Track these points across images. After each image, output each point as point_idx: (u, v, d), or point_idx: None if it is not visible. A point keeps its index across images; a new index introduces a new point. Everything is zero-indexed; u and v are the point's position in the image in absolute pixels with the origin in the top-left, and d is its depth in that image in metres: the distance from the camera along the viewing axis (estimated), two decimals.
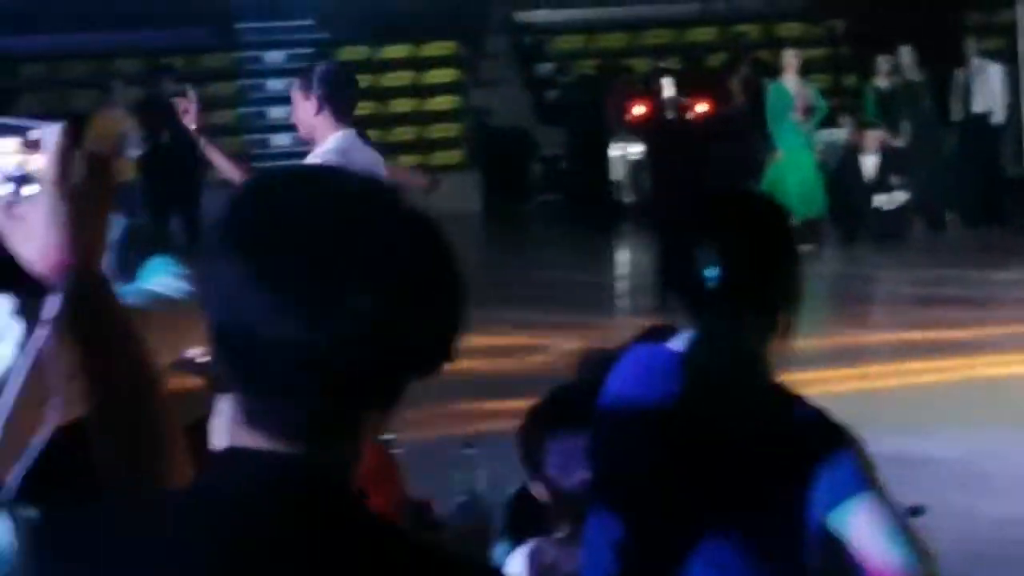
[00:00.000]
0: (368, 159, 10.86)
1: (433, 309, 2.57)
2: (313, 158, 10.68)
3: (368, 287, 2.48)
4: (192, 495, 2.81)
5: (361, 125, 28.78)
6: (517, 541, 5.61)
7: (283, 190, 2.68)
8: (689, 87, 25.61)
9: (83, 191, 3.12)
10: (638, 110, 26.28)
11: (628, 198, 26.94)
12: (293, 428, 2.59)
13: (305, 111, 10.81)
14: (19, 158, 3.18)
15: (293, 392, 2.56)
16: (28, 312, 3.39)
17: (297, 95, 10.91)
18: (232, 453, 2.69)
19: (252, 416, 2.62)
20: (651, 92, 26.21)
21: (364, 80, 27.74)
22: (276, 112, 27.77)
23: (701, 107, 24.86)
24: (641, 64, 28.37)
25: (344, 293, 2.47)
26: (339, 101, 10.86)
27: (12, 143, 3.17)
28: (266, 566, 2.62)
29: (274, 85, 28.09)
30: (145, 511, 2.90)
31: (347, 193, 2.68)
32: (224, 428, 3.13)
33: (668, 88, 25.61)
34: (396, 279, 2.52)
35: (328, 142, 10.71)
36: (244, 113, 27.98)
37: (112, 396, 3.10)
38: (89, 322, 3.08)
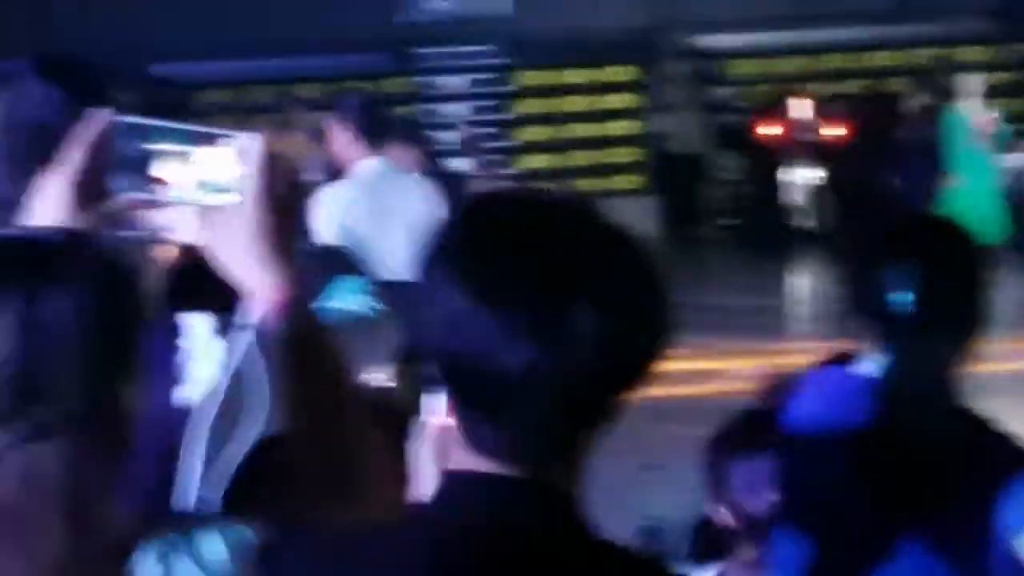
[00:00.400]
0: (399, 186, 11.32)
1: (648, 327, 2.67)
2: (341, 187, 11.19)
3: (593, 309, 2.53)
4: (421, 519, 2.87)
5: (539, 150, 28.92)
6: (701, 565, 5.61)
7: (502, 217, 2.72)
8: (862, 112, 25.63)
9: (282, 205, 3.19)
10: (767, 131, 26.72)
11: (806, 223, 26.78)
12: (520, 451, 2.64)
13: (339, 141, 11.29)
14: (217, 167, 3.22)
15: (520, 415, 2.60)
16: (226, 330, 3.47)
17: (332, 125, 11.42)
18: (459, 477, 2.75)
19: (478, 439, 2.69)
20: (785, 115, 26.47)
21: (544, 105, 28.04)
22: (453, 137, 27.34)
23: (836, 131, 24.96)
24: (818, 88, 28.07)
25: (572, 316, 2.52)
26: (371, 131, 11.31)
27: (209, 152, 3.20)
28: None
29: (455, 109, 28.08)
30: (373, 537, 2.96)
31: (564, 217, 2.70)
32: (430, 451, 3.24)
33: (799, 110, 25.68)
34: (617, 300, 2.59)
35: (357, 171, 11.28)
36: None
37: (316, 414, 3.16)
38: (299, 347, 3.13)
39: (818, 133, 26.85)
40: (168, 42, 24.42)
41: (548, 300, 2.59)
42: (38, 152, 3.39)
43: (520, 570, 2.69)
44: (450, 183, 13.76)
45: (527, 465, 2.68)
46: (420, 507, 3.04)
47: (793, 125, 27.12)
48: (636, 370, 2.72)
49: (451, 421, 2.94)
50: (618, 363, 2.68)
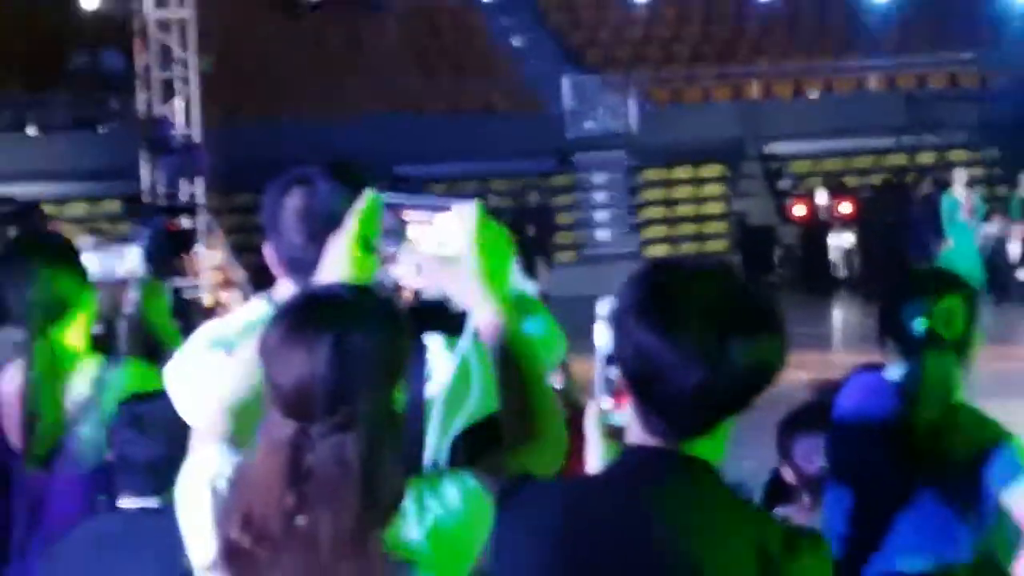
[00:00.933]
0: None
1: (777, 350, 2.81)
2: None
3: (744, 342, 2.71)
4: (609, 474, 2.99)
5: (656, 223, 28.44)
6: (770, 509, 5.42)
7: (675, 277, 2.88)
8: (880, 200, 25.99)
9: (489, 254, 3.25)
10: (799, 211, 27.10)
11: (841, 274, 26.50)
12: (681, 434, 2.79)
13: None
14: (448, 228, 3.27)
15: (687, 413, 2.76)
16: (452, 345, 3.41)
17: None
18: (636, 449, 2.88)
19: (652, 426, 2.81)
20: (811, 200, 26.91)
21: (660, 192, 28.11)
22: (599, 215, 27.75)
23: (845, 208, 25.74)
24: (852, 180, 27.86)
25: (730, 348, 2.71)
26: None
27: (433, 216, 3.28)
28: (660, 514, 2.82)
29: (599, 197, 28.02)
30: (579, 492, 3.05)
31: (715, 278, 2.88)
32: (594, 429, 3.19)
33: (821, 197, 26.02)
34: (759, 334, 2.77)
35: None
36: (578, 217, 27.53)
37: (516, 400, 3.17)
38: (505, 354, 3.17)
39: (831, 212, 26.56)
40: (405, 149, 24.28)
41: (713, 338, 2.68)
42: (327, 230, 3.32)
43: (676, 514, 2.77)
44: None
45: (684, 442, 2.77)
46: (608, 468, 3.00)
47: (814, 207, 26.95)
48: (768, 379, 2.78)
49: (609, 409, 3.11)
50: (759, 377, 2.75)
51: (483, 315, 3.18)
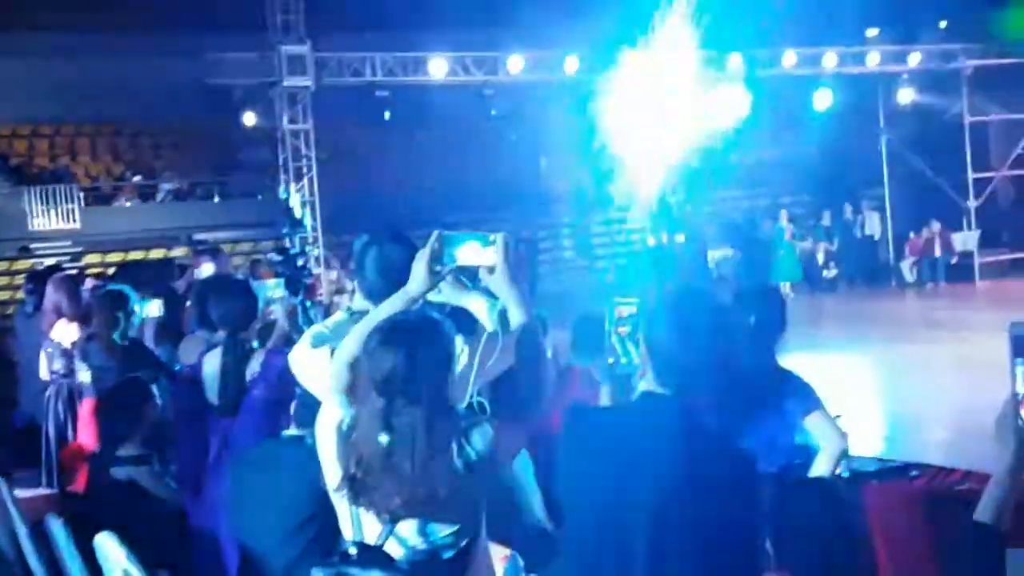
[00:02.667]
0: None
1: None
2: None
3: (721, 336, 2.80)
4: (633, 407, 2.94)
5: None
6: None
7: (680, 299, 2.92)
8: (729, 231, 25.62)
9: (517, 263, 3.11)
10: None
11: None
12: (678, 387, 2.77)
13: None
14: (482, 252, 3.07)
15: (683, 376, 2.77)
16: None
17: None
18: (649, 394, 2.81)
19: (658, 380, 2.80)
20: None
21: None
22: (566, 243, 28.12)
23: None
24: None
25: (712, 340, 2.77)
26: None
27: (477, 244, 3.07)
28: (659, 442, 2.76)
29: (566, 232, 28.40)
30: (608, 415, 3.08)
31: (696, 295, 2.94)
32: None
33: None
34: (727, 332, 2.84)
35: None
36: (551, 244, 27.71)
37: (528, 367, 3.07)
38: (528, 337, 3.05)
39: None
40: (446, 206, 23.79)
41: (702, 333, 2.77)
42: (391, 271, 3.22)
43: (668, 438, 2.75)
44: None
45: (679, 391, 2.79)
46: (630, 404, 2.98)
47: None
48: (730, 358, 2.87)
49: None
50: (728, 358, 2.84)
51: (512, 308, 3.08)
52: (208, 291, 5.84)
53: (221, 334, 5.29)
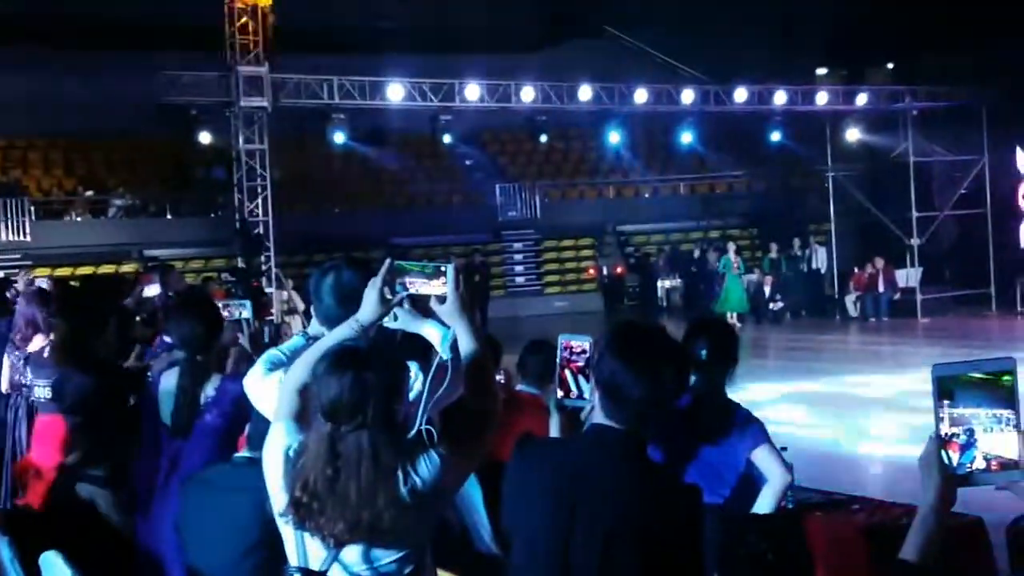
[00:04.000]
0: None
1: (686, 372, 2.92)
2: None
3: (672, 371, 2.83)
4: (583, 440, 2.94)
5: (548, 274, 27.71)
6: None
7: (636, 331, 2.93)
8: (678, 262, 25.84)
9: (471, 293, 3.15)
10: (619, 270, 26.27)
11: (665, 304, 25.98)
12: (628, 421, 2.76)
13: None
14: (432, 282, 3.08)
15: (634, 410, 2.76)
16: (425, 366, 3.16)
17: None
18: (596, 427, 2.83)
19: (609, 414, 2.78)
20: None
21: (554, 255, 27.57)
22: (517, 268, 27.73)
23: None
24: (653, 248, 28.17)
25: (664, 375, 2.79)
26: None
27: (427, 273, 3.08)
28: (608, 475, 2.78)
29: (517, 257, 28.04)
30: (558, 447, 3.07)
31: (653, 330, 2.93)
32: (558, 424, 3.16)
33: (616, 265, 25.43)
34: (677, 363, 2.86)
35: None
36: (504, 269, 27.41)
37: (478, 396, 3.07)
38: (477, 365, 3.07)
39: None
40: (399, 229, 24.31)
41: (655, 369, 2.78)
42: (348, 297, 3.26)
43: (617, 471, 2.77)
44: None
45: (629, 425, 2.78)
46: (578, 438, 2.99)
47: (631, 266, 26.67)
48: (681, 389, 2.94)
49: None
50: (677, 392, 2.91)
51: (462, 337, 3.07)
52: (172, 309, 5.72)
53: (180, 355, 5.16)
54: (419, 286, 3.07)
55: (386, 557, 2.84)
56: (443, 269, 3.06)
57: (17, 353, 7.25)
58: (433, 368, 3.11)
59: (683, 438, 4.14)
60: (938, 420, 2.26)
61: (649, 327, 2.97)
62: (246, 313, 5.87)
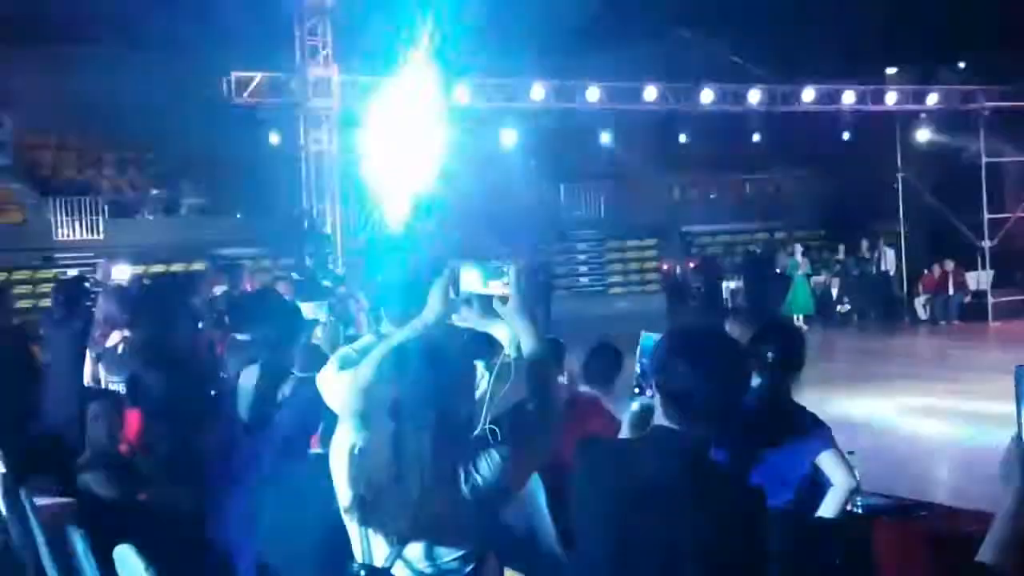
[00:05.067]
0: None
1: (747, 376, 2.95)
2: None
3: (734, 374, 2.82)
4: (645, 442, 2.93)
5: (613, 275, 27.38)
6: None
7: (694, 335, 2.88)
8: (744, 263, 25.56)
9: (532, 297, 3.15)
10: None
11: (730, 305, 25.08)
12: (690, 423, 2.74)
13: None
14: (495, 282, 3.09)
15: (695, 413, 2.74)
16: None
17: None
18: (660, 428, 2.81)
19: (670, 415, 2.77)
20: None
21: (618, 255, 27.80)
22: (582, 269, 28.16)
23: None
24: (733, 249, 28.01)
25: (725, 377, 2.78)
26: None
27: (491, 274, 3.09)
28: (670, 478, 2.74)
29: (582, 258, 28.48)
30: (620, 449, 3.07)
31: (712, 334, 2.92)
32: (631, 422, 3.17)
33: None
34: (738, 368, 2.86)
35: None
36: (568, 269, 27.71)
37: (539, 396, 3.02)
38: (537, 366, 3.03)
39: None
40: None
41: (716, 370, 2.76)
42: (414, 296, 3.25)
43: (679, 474, 2.73)
44: None
45: (692, 427, 2.75)
46: (643, 438, 2.95)
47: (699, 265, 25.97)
48: (743, 392, 2.88)
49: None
50: (740, 395, 2.86)
51: (523, 337, 3.06)
52: (252, 308, 5.79)
53: (257, 354, 5.26)
54: (481, 287, 3.07)
55: (448, 555, 2.84)
56: (505, 269, 3.06)
57: (98, 349, 7.39)
58: (497, 367, 3.10)
59: (747, 441, 4.11)
60: (1019, 421, 2.21)
61: (710, 329, 2.94)
62: (323, 314, 5.90)
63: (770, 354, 4.30)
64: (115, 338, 7.21)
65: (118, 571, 3.65)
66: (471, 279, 3.08)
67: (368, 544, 2.91)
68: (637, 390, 3.17)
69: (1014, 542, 2.25)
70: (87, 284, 9.05)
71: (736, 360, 2.85)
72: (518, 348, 3.09)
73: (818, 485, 4.26)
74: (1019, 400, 2.20)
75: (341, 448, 2.98)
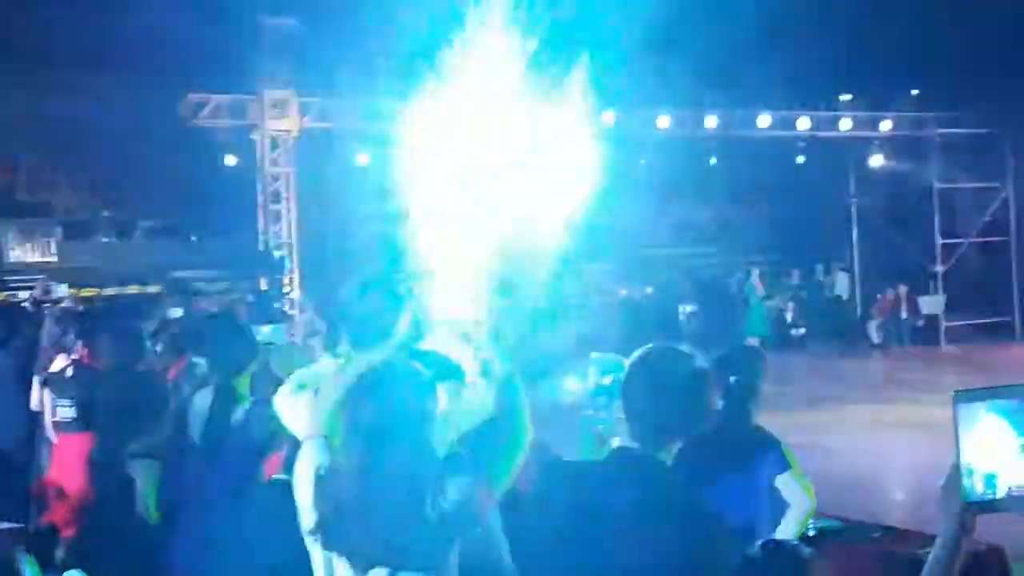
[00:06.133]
0: None
1: (709, 397, 2.89)
2: None
3: (695, 396, 2.82)
4: (608, 463, 2.95)
5: None
6: None
7: (657, 358, 2.90)
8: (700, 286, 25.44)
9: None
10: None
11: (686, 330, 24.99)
12: (651, 444, 2.80)
13: None
14: (466, 307, 3.14)
15: (657, 433, 2.80)
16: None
17: None
18: (623, 449, 2.88)
19: (633, 435, 2.83)
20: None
21: None
22: None
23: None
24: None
25: (687, 399, 2.81)
26: None
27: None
28: (629, 497, 2.77)
29: None
30: (581, 468, 3.11)
31: (675, 355, 2.91)
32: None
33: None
34: (701, 391, 2.86)
35: None
36: None
37: (508, 419, 3.05)
38: (505, 389, 3.04)
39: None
40: None
41: (677, 392, 2.82)
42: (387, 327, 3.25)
43: (638, 493, 2.75)
44: None
45: (648, 447, 2.81)
46: (603, 460, 2.99)
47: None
48: (703, 418, 2.87)
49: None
50: (703, 417, 2.87)
51: (494, 360, 3.09)
52: (207, 331, 5.75)
53: (211, 377, 5.21)
54: (453, 311, 3.11)
55: None
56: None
57: (45, 374, 7.29)
58: (464, 389, 3.12)
59: (708, 464, 4.08)
60: (959, 448, 2.24)
61: (674, 352, 2.96)
62: (276, 337, 5.86)
63: (732, 378, 4.35)
64: (62, 361, 7.11)
65: None
66: (450, 304, 3.13)
67: (332, 569, 2.89)
68: (591, 412, 3.16)
69: (954, 564, 2.28)
70: (25, 306, 8.91)
71: (699, 383, 2.88)
72: (483, 372, 3.10)
73: (776, 506, 4.29)
74: (956, 426, 2.24)
75: (305, 470, 2.98)
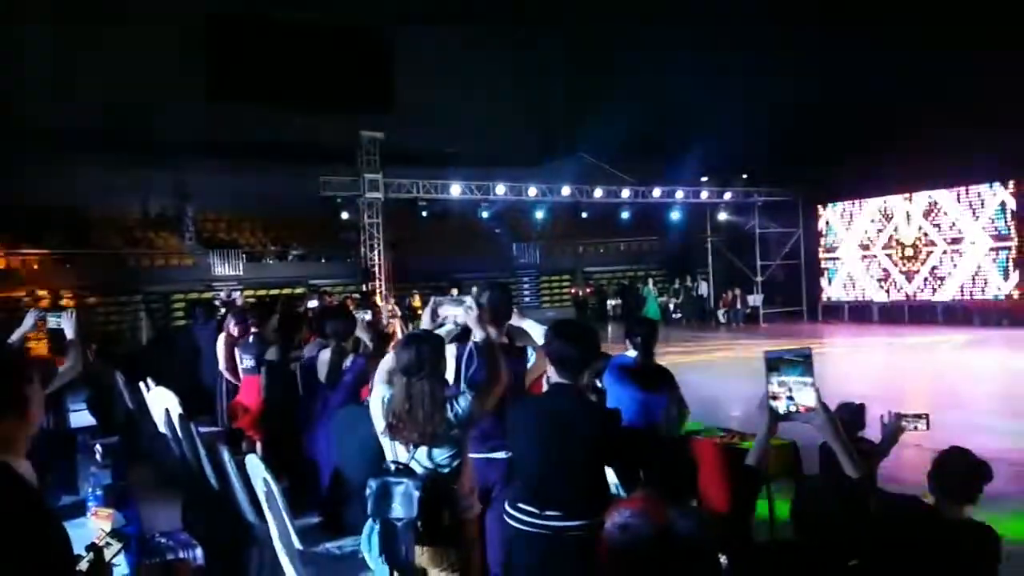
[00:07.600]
0: None
1: (596, 344, 2.68)
2: None
3: (589, 345, 2.66)
4: (551, 392, 2.77)
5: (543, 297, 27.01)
6: None
7: (567, 325, 2.73)
8: (620, 289, 25.01)
9: (494, 314, 3.00)
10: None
11: (611, 315, 24.67)
12: (570, 377, 2.63)
13: None
14: (458, 308, 2.91)
15: (572, 370, 2.60)
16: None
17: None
18: (556, 383, 2.70)
19: (560, 374, 2.67)
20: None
21: (549, 286, 27.49)
22: (526, 294, 27.47)
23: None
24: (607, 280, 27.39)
25: (586, 348, 2.61)
26: None
27: (456, 303, 2.91)
28: (563, 408, 2.60)
29: (525, 286, 27.42)
30: (537, 398, 2.94)
31: (580, 325, 2.76)
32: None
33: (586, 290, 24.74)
34: (592, 342, 2.68)
35: None
36: (516, 294, 26.93)
37: (488, 368, 2.88)
38: (490, 352, 2.90)
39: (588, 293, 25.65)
40: (458, 268, 23.52)
41: (580, 344, 2.66)
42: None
43: (568, 405, 2.61)
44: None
45: (571, 380, 2.67)
46: (547, 391, 2.81)
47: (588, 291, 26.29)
48: (595, 355, 2.72)
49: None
50: (594, 357, 2.73)
51: (476, 333, 2.99)
52: (326, 314, 5.70)
53: (331, 341, 5.13)
54: (451, 311, 3.00)
55: (441, 455, 2.78)
56: (465, 301, 3.01)
57: (232, 340, 7.20)
58: (467, 352, 3.14)
59: (625, 387, 4.03)
60: (768, 383, 2.27)
61: (576, 321, 2.97)
62: (368, 317, 5.82)
63: (638, 338, 4.17)
64: (243, 334, 7.05)
65: (249, 474, 3.55)
66: (449, 307, 2.97)
67: (395, 451, 2.84)
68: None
69: (766, 451, 2.34)
70: (216, 303, 8.81)
71: (590, 338, 2.79)
72: (480, 343, 3.02)
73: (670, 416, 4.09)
74: (768, 372, 2.28)
75: (376, 398, 2.93)
